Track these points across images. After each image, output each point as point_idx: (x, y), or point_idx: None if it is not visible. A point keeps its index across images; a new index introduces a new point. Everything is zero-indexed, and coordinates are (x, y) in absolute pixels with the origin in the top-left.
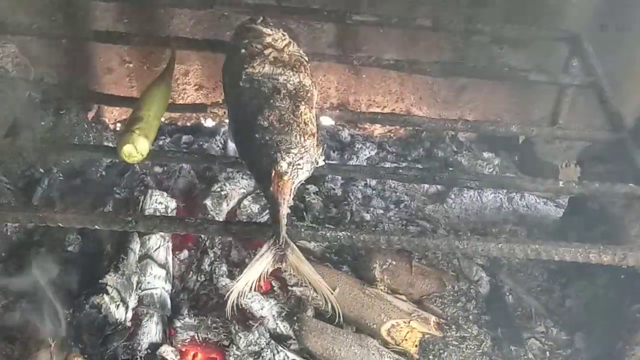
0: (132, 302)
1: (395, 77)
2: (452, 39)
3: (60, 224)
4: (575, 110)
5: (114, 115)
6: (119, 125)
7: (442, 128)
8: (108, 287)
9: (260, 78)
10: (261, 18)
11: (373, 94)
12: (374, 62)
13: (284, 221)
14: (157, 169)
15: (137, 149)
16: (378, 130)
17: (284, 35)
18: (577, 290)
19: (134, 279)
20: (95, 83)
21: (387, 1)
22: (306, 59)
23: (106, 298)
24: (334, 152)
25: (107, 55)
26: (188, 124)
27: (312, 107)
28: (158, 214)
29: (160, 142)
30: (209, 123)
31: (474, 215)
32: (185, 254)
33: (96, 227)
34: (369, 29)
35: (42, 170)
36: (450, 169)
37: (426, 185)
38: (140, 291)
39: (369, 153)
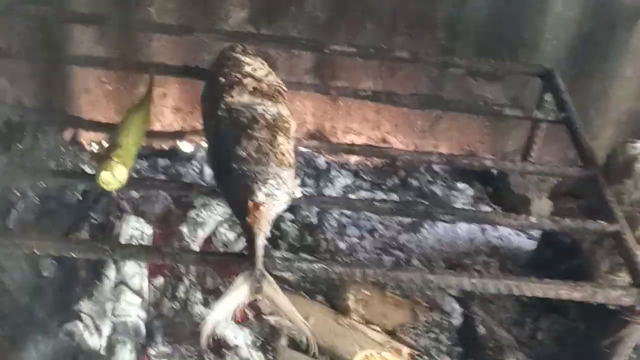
0: (106, 329)
1: (371, 105)
2: (428, 69)
3: (36, 251)
4: (549, 143)
5: (90, 135)
6: (94, 145)
7: (418, 160)
8: (82, 314)
9: (238, 107)
10: (241, 47)
11: (349, 121)
12: (351, 92)
13: (260, 252)
14: (134, 194)
15: (115, 176)
16: (354, 158)
17: (262, 64)
18: (548, 323)
19: (108, 306)
20: (72, 104)
21: (365, 32)
22: (285, 88)
23: (80, 325)
24: (309, 178)
25: (85, 76)
26: (165, 147)
27: (289, 138)
28: (134, 239)
29: (137, 166)
30: (186, 147)
31: (447, 245)
32: (160, 280)
33: (72, 254)
34: (347, 57)
35: (18, 194)
36: (426, 202)
37: None
38: (114, 318)
39: (345, 181)
